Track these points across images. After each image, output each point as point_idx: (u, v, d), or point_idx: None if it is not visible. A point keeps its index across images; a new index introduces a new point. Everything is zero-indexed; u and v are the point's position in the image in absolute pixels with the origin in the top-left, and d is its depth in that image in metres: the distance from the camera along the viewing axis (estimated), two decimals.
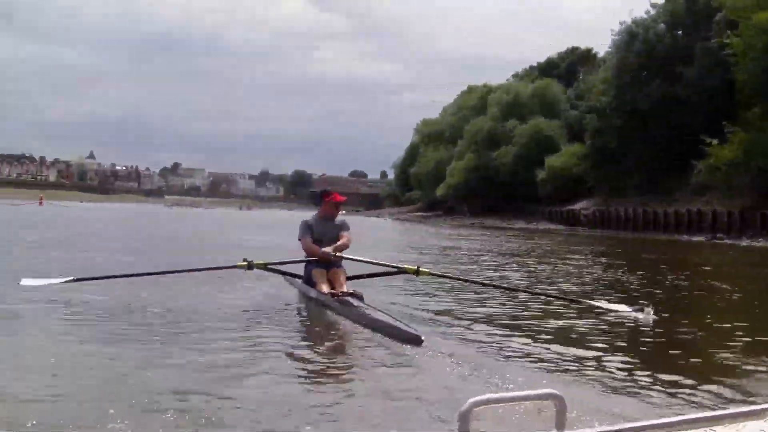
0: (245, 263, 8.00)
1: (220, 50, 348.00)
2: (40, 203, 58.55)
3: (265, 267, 8.27)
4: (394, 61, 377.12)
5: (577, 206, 50.04)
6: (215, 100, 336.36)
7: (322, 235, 8.12)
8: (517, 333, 6.68)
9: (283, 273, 8.80)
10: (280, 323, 6.91)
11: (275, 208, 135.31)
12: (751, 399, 4.40)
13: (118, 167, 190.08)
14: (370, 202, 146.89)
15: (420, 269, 8.07)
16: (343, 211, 8.54)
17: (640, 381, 4.90)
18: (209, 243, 20.18)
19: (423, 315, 7.59)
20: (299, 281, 8.58)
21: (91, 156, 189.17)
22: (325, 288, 7.61)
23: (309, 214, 8.82)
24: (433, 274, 8.49)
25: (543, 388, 1.59)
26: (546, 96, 63.26)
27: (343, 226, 8.31)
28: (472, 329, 6.87)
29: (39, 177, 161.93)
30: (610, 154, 46.81)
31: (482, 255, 18.88)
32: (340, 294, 7.36)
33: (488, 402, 1.48)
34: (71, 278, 7.97)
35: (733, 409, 1.73)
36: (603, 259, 18.53)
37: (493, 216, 58.99)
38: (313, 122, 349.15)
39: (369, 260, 8.53)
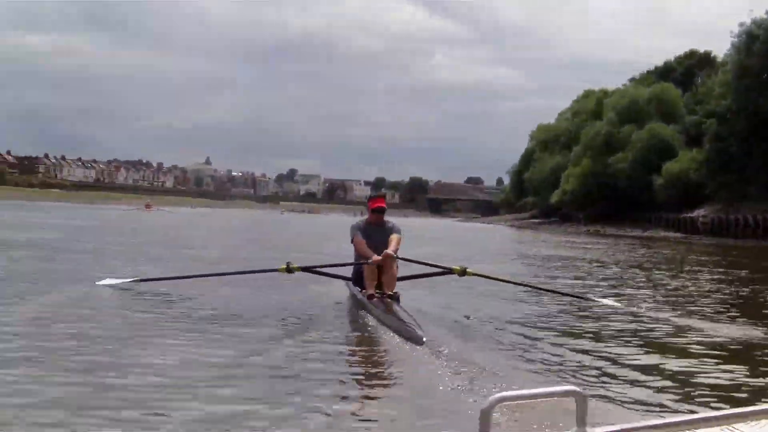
0: (285, 267, 8.34)
1: (339, 57, 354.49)
2: (147, 208, 60.83)
3: (305, 270, 8.63)
4: (511, 67, 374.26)
5: (696, 213, 49.06)
6: (333, 106, 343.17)
7: (371, 241, 8.21)
8: (545, 332, 7.21)
9: (326, 275, 8.96)
10: (309, 324, 7.34)
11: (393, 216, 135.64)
12: None
13: (234, 173, 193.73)
14: (487, 208, 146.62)
15: (467, 270, 8.35)
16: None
17: (662, 379, 5.12)
18: (295, 248, 19.61)
19: (453, 315, 8.18)
20: (345, 281, 8.89)
21: (208, 162, 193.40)
22: (371, 287, 7.87)
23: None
24: (479, 275, 8.75)
25: (564, 385, 1.60)
26: (663, 100, 62.04)
27: (393, 230, 8.40)
28: (500, 329, 7.43)
29: (155, 183, 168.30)
30: (731, 160, 45.78)
31: (601, 267, 18.01)
32: (378, 295, 7.72)
33: (510, 399, 1.50)
34: (138, 278, 9.51)
35: (753, 407, 1.73)
36: (736, 272, 17.28)
37: (608, 223, 58.41)
38: (430, 128, 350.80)
39: (418, 260, 8.96)
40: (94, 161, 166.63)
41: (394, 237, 8.24)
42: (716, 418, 1.66)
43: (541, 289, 10.17)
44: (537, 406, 3.61)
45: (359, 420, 4.16)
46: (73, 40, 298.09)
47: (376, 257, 7.92)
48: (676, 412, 4.27)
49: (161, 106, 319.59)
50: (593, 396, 4.31)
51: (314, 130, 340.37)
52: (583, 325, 8.00)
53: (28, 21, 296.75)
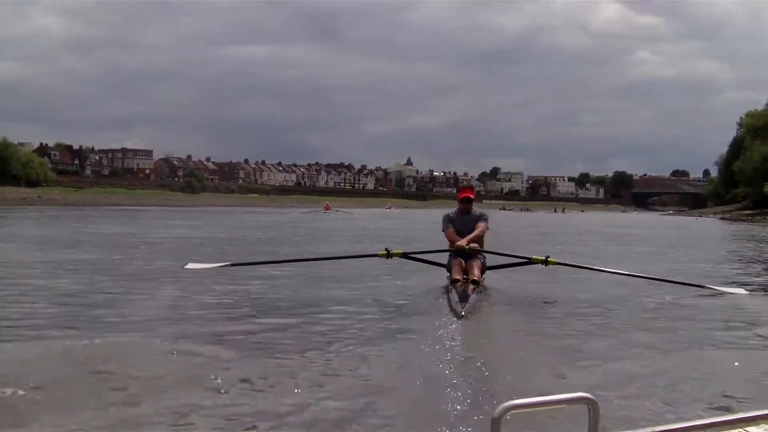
0: (385, 252, 8.85)
1: (548, 57, 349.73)
2: (326, 210, 60.53)
3: (403, 255, 9.07)
4: (715, 61, 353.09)
5: None
6: (535, 105, 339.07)
7: (461, 228, 8.97)
8: (605, 322, 7.06)
9: (422, 261, 9.39)
10: (387, 303, 8.20)
11: (596, 210, 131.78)
12: None
13: (436, 173, 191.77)
14: (694, 201, 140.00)
15: (548, 259, 8.68)
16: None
17: (677, 383, 4.77)
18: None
19: (526, 301, 8.57)
20: (439, 267, 9.24)
21: (409, 163, 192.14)
22: (456, 273, 8.30)
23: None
24: (562, 264, 9.01)
25: (578, 391, 1.57)
26: None
27: (480, 218, 9.09)
28: (554, 315, 7.68)
29: (356, 184, 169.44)
30: None
31: None
32: (463, 281, 8.12)
33: (521, 407, 1.48)
34: (228, 263, 9.37)
35: (766, 410, 1.70)
36: None
37: None
38: (634, 123, 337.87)
39: (499, 252, 9.24)
40: (294, 165, 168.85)
41: (479, 225, 8.97)
42: (730, 422, 1.65)
43: (628, 275, 9.45)
44: (551, 412, 3.47)
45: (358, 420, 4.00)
46: (292, 51, 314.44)
47: (459, 243, 8.71)
48: (689, 417, 3.73)
49: (371, 112, 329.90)
50: (609, 395, 4.26)
51: (519, 128, 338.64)
52: (642, 314, 7.89)
53: (247, 34, 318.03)
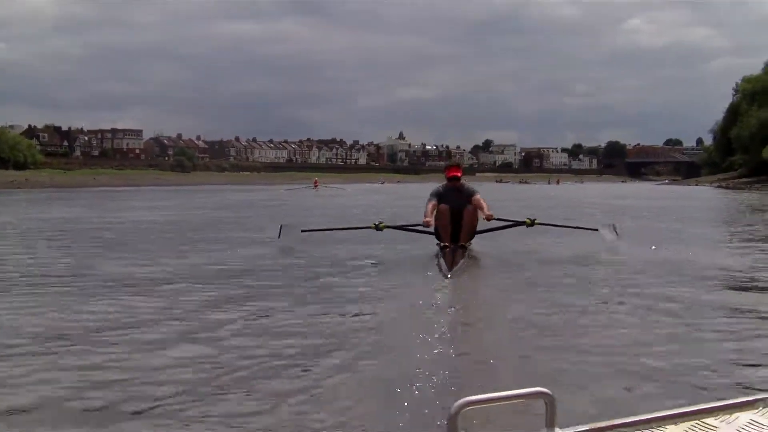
0: (374, 225, 9.78)
1: (531, 26, 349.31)
2: (315, 187, 58.63)
3: (393, 227, 10.16)
4: (707, 28, 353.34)
5: None
6: (527, 76, 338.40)
7: (451, 202, 9.29)
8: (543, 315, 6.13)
9: (412, 230, 10.16)
10: (380, 268, 8.62)
11: (590, 182, 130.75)
12: (744, 389, 4.04)
13: (428, 147, 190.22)
14: (688, 170, 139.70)
15: (535, 221, 9.97)
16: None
17: (634, 373, 4.45)
18: None
19: (507, 265, 9.02)
20: (429, 235, 9.76)
21: (401, 137, 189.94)
22: (446, 239, 9.01)
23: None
24: (546, 224, 10.56)
25: (535, 385, 1.55)
26: None
27: (470, 191, 9.51)
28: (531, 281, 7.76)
29: (348, 160, 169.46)
30: None
31: None
32: (452, 246, 8.77)
33: (477, 402, 1.49)
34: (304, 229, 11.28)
35: (724, 401, 1.72)
36: None
37: None
38: (625, 93, 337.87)
39: (498, 217, 9.93)
40: (286, 142, 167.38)
41: (476, 199, 9.38)
42: (685, 414, 1.65)
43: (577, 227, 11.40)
44: (507, 407, 3.09)
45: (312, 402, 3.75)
46: (280, 26, 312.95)
47: (427, 220, 9.17)
48: (646, 408, 3.44)
49: (362, 86, 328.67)
50: (566, 388, 3.91)
51: (512, 101, 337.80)
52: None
53: (235, 9, 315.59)
